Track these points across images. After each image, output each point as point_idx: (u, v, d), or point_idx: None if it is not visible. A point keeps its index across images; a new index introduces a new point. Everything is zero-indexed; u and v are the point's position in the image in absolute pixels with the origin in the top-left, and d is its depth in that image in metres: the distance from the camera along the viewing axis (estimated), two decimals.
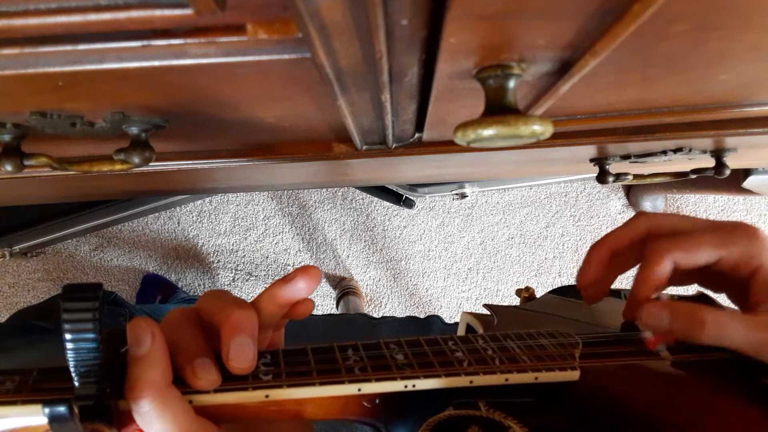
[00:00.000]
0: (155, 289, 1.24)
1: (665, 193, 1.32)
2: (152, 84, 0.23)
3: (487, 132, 0.20)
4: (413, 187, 1.19)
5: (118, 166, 0.30)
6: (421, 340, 0.30)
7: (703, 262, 0.31)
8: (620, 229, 0.34)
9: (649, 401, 0.28)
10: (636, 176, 0.56)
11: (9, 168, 0.28)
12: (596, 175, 0.53)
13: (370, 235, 1.32)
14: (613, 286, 0.39)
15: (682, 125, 0.38)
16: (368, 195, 1.30)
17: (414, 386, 0.27)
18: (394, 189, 1.22)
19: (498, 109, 0.21)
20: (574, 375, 0.28)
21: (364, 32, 0.18)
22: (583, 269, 0.35)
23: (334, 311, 1.30)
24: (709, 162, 0.51)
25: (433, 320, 0.68)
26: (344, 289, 1.27)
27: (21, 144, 0.28)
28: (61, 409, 0.22)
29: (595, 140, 0.40)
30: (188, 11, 0.17)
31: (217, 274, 1.30)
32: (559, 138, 0.39)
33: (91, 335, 0.21)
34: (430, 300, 1.34)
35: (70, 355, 0.22)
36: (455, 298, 1.35)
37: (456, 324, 0.57)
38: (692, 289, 0.37)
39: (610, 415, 0.27)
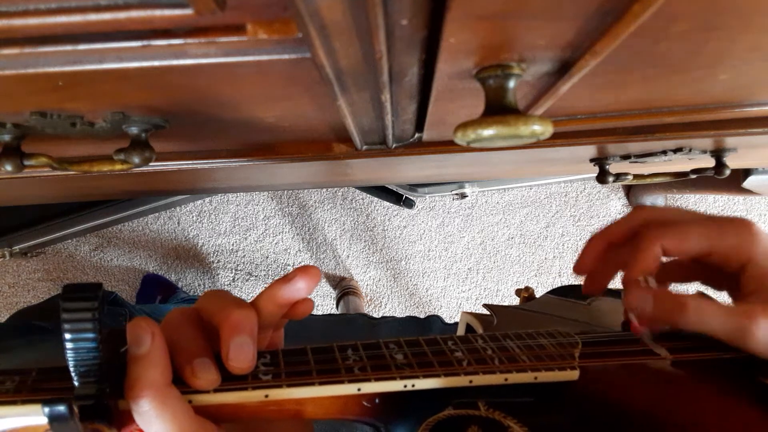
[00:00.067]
0: (155, 289, 1.24)
1: (665, 193, 1.32)
2: (152, 84, 0.23)
3: (487, 132, 0.20)
4: (413, 187, 1.19)
5: (118, 166, 0.30)
6: (421, 339, 0.30)
7: (693, 250, 0.31)
8: (618, 221, 0.35)
9: (648, 401, 0.28)
10: (636, 176, 0.56)
11: (9, 168, 0.28)
12: (596, 175, 0.53)
13: (370, 235, 1.32)
14: (612, 287, 0.39)
15: (682, 125, 0.38)
16: (368, 195, 1.30)
17: (413, 386, 0.27)
18: (394, 189, 1.22)
19: (498, 109, 0.21)
20: (573, 375, 0.28)
21: (364, 32, 0.18)
22: (579, 258, 0.36)
23: (334, 311, 1.30)
24: (709, 162, 0.51)
25: (433, 320, 0.68)
26: (344, 289, 1.27)
27: (21, 144, 0.28)
28: (61, 408, 0.22)
29: (595, 140, 0.40)
30: (188, 11, 0.17)
31: (217, 274, 1.30)
32: (559, 138, 0.39)
33: (90, 335, 0.21)
34: (430, 300, 1.34)
35: (69, 354, 0.22)
36: (455, 298, 1.35)
37: (456, 324, 0.57)
38: (692, 290, 0.37)
39: (609, 415, 0.27)
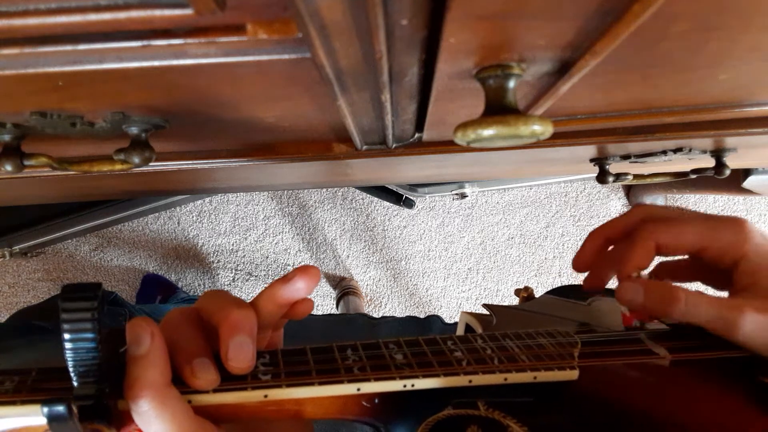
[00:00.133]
0: (155, 289, 1.24)
1: (665, 193, 1.32)
2: (152, 84, 0.23)
3: (487, 132, 0.20)
4: (413, 187, 1.19)
5: (118, 166, 0.30)
6: (420, 339, 0.30)
7: (687, 246, 0.32)
8: (616, 218, 0.36)
9: (647, 400, 0.28)
10: (636, 176, 0.56)
11: (9, 168, 0.28)
12: (596, 175, 0.53)
13: (370, 235, 1.32)
14: (612, 287, 0.39)
15: (682, 125, 0.38)
16: (368, 195, 1.30)
17: (413, 386, 0.27)
18: (394, 189, 1.22)
19: (498, 109, 0.21)
20: (572, 374, 0.28)
21: (364, 32, 0.18)
22: (577, 254, 0.37)
23: (334, 311, 1.30)
24: (709, 162, 0.51)
25: (433, 320, 0.68)
26: (344, 289, 1.27)
27: (21, 144, 0.28)
28: (60, 408, 0.22)
29: (595, 140, 0.40)
30: (188, 11, 0.17)
31: (217, 274, 1.30)
32: (559, 138, 0.39)
33: (90, 335, 0.21)
34: (430, 300, 1.34)
35: (69, 355, 0.22)
36: (455, 298, 1.35)
37: (456, 324, 0.57)
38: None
39: (608, 415, 0.27)
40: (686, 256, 0.35)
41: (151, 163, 0.29)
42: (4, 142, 0.28)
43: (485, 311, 0.39)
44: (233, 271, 1.30)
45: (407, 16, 0.17)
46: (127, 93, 0.25)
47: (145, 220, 1.28)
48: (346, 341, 0.29)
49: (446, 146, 0.40)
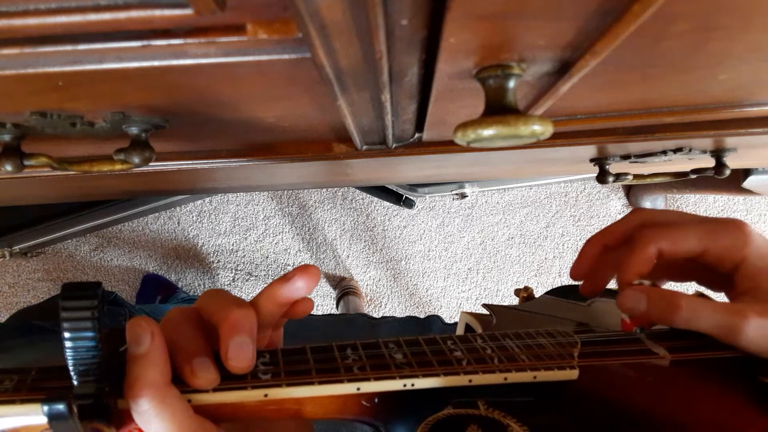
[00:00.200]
0: (155, 289, 1.24)
1: (665, 193, 1.32)
2: (152, 84, 0.23)
3: (487, 132, 0.20)
4: (413, 187, 1.19)
5: (118, 166, 0.30)
6: (420, 339, 0.30)
7: (687, 251, 0.32)
8: (615, 224, 0.35)
9: (647, 400, 0.28)
10: (636, 176, 0.56)
11: (9, 168, 0.28)
12: (596, 175, 0.53)
13: (370, 235, 1.32)
14: (612, 287, 0.39)
15: (682, 125, 0.38)
16: (368, 195, 1.30)
17: (413, 385, 0.27)
18: (394, 189, 1.22)
19: (498, 109, 0.21)
20: (572, 374, 0.28)
21: (364, 32, 0.18)
22: (575, 262, 0.37)
23: (334, 311, 1.30)
24: (709, 162, 0.51)
25: (433, 320, 0.68)
26: (344, 289, 1.27)
27: (21, 144, 0.28)
28: (60, 407, 0.22)
29: (595, 140, 0.40)
30: (188, 11, 0.17)
31: (217, 274, 1.30)
32: (559, 138, 0.39)
33: (90, 334, 0.21)
34: (430, 300, 1.34)
35: (69, 354, 0.22)
36: (455, 298, 1.35)
37: (456, 324, 0.57)
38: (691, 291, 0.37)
39: (608, 414, 0.27)
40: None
41: (151, 163, 0.29)
42: (4, 142, 0.28)
43: (485, 311, 0.39)
44: (233, 271, 1.30)
45: (407, 16, 0.17)
46: (127, 93, 0.25)
47: (145, 220, 1.28)
48: (346, 341, 0.29)
49: (446, 146, 0.40)
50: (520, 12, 0.17)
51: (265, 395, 0.26)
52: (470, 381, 0.27)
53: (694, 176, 0.55)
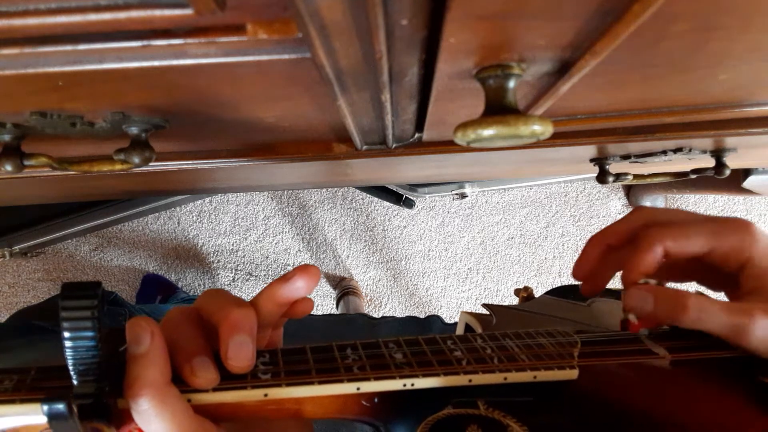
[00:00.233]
0: (155, 289, 1.24)
1: (665, 193, 1.32)
2: (152, 84, 0.23)
3: (487, 132, 0.20)
4: (413, 187, 1.19)
5: (118, 166, 0.30)
6: (420, 339, 0.30)
7: (693, 251, 0.31)
8: (617, 222, 0.35)
9: (647, 400, 0.28)
10: (636, 176, 0.56)
11: (9, 168, 0.28)
12: (596, 175, 0.53)
13: (370, 235, 1.32)
14: (612, 287, 0.39)
15: (682, 125, 0.38)
16: (368, 195, 1.30)
17: (413, 385, 0.27)
18: (394, 189, 1.22)
19: (498, 109, 0.21)
20: (572, 374, 0.28)
21: (364, 32, 0.18)
22: (578, 261, 0.36)
23: (334, 311, 1.30)
24: (709, 162, 0.51)
25: (433, 320, 0.68)
26: (344, 289, 1.27)
27: (21, 144, 0.28)
28: (60, 407, 0.22)
29: (595, 140, 0.40)
30: (188, 11, 0.17)
31: (217, 274, 1.30)
32: (559, 138, 0.39)
33: (90, 333, 0.21)
34: (430, 300, 1.34)
35: (68, 353, 0.22)
36: (455, 298, 1.35)
37: (456, 324, 0.57)
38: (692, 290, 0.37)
39: (608, 414, 0.27)
40: None
41: (151, 163, 0.29)
42: (4, 142, 0.28)
43: (485, 311, 0.39)
44: (233, 271, 1.30)
45: (407, 16, 0.17)
46: (127, 93, 0.25)
47: (145, 220, 1.28)
48: (346, 341, 0.29)
49: (446, 146, 0.40)
50: (520, 12, 0.17)
51: (265, 395, 0.26)
52: (470, 381, 0.27)
53: (694, 176, 0.55)
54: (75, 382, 0.22)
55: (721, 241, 0.31)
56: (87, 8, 0.17)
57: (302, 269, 0.29)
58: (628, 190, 1.36)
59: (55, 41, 0.19)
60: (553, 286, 0.44)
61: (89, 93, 0.24)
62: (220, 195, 1.28)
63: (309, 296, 0.30)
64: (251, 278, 1.30)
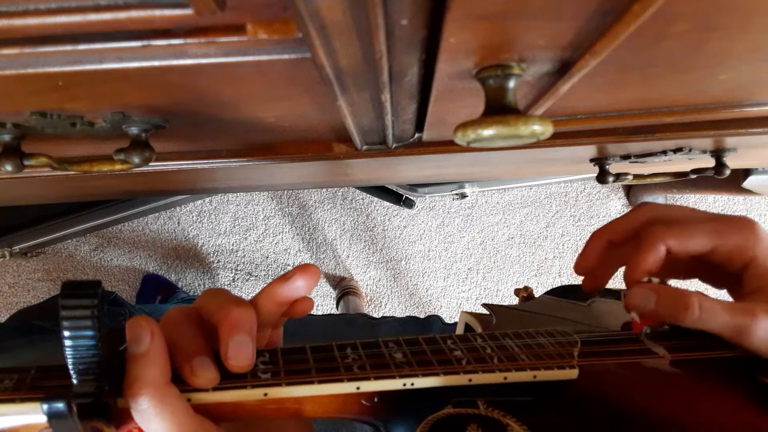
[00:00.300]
0: (155, 289, 1.25)
1: (665, 193, 1.32)
2: (152, 84, 0.23)
3: (487, 132, 0.20)
4: (413, 187, 1.19)
5: (118, 166, 0.30)
6: (420, 338, 0.30)
7: (697, 249, 0.31)
8: (620, 219, 0.35)
9: (647, 400, 0.28)
10: (636, 176, 0.56)
11: (9, 168, 0.28)
12: (596, 175, 0.53)
13: (370, 235, 1.32)
14: (612, 287, 0.39)
15: (682, 125, 0.38)
16: (368, 195, 1.30)
17: (413, 384, 0.27)
18: (394, 189, 1.22)
19: (498, 109, 0.21)
20: (572, 374, 0.28)
21: (364, 32, 0.18)
22: (580, 257, 0.36)
23: (334, 311, 1.30)
24: (709, 162, 0.51)
25: (433, 320, 0.68)
26: (344, 289, 1.27)
27: (21, 144, 0.28)
28: (60, 406, 0.22)
29: (595, 140, 0.40)
30: (188, 11, 0.17)
31: (217, 274, 1.30)
32: (559, 138, 0.39)
33: (89, 332, 0.21)
34: (430, 300, 1.34)
35: (68, 352, 0.22)
36: (455, 298, 1.35)
37: (456, 324, 0.57)
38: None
39: (608, 414, 0.27)
40: None
41: (151, 163, 0.29)
42: (4, 142, 0.28)
43: (485, 311, 0.39)
44: (233, 271, 1.30)
45: (407, 16, 0.17)
46: (127, 93, 0.25)
47: (145, 220, 1.28)
48: (346, 340, 0.29)
49: (446, 146, 0.40)
50: (520, 12, 0.17)
51: (265, 394, 0.26)
52: (470, 380, 0.27)
53: (694, 176, 0.55)
54: (75, 382, 0.22)
55: (725, 240, 0.31)
56: (87, 8, 0.17)
57: (302, 269, 0.29)
58: (628, 190, 1.36)
59: (55, 41, 0.19)
60: (553, 286, 0.44)
61: (89, 93, 0.24)
62: (220, 195, 1.28)
63: (309, 296, 0.30)
64: (251, 278, 1.30)
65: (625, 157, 0.50)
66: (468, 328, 0.39)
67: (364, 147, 0.39)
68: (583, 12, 0.18)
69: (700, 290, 0.35)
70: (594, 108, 0.33)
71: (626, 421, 0.27)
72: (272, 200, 1.30)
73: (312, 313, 0.34)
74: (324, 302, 1.32)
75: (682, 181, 0.59)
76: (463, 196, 1.16)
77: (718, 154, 0.49)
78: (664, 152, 0.47)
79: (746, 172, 0.89)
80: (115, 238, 1.27)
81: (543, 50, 0.21)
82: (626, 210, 1.35)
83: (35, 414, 0.23)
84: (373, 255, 1.32)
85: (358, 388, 0.26)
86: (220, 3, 0.16)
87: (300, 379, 0.26)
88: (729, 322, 0.29)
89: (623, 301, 0.33)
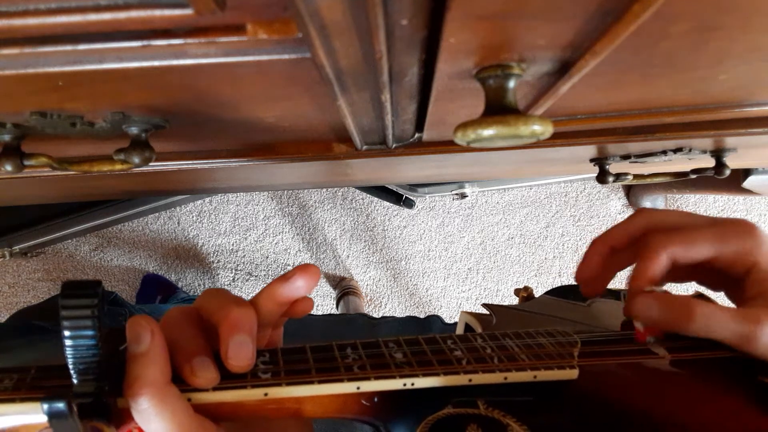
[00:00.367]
0: (155, 289, 1.24)
1: (665, 193, 1.32)
2: (152, 84, 0.23)
3: (487, 132, 0.20)
4: (413, 187, 1.19)
5: (118, 166, 0.30)
6: (420, 338, 0.30)
7: (700, 257, 0.31)
8: (620, 225, 0.35)
9: (647, 400, 0.28)
10: (636, 176, 0.56)
11: (9, 168, 0.28)
12: (596, 175, 0.53)
13: (370, 235, 1.32)
14: (612, 287, 0.39)
15: (682, 125, 0.38)
16: (368, 195, 1.30)
17: (413, 384, 0.27)
18: (394, 189, 1.22)
19: (498, 109, 0.21)
20: (572, 374, 0.28)
21: (364, 32, 0.18)
22: (582, 264, 0.36)
23: (334, 311, 1.30)
24: (709, 162, 0.51)
25: (433, 320, 0.68)
26: (344, 289, 1.27)
27: (21, 144, 0.28)
28: (60, 405, 0.22)
29: (595, 140, 0.40)
30: (188, 11, 0.17)
31: (217, 274, 1.30)
32: (559, 138, 0.39)
33: (90, 332, 0.21)
34: (430, 300, 1.34)
35: (69, 352, 0.22)
36: (455, 298, 1.35)
37: (456, 324, 0.57)
38: (691, 291, 0.37)
39: (608, 414, 0.27)
40: None
41: (151, 163, 0.29)
42: (4, 142, 0.28)
43: (485, 311, 0.39)
44: (233, 271, 1.30)
45: (407, 16, 0.17)
46: (127, 93, 0.25)
47: (145, 220, 1.28)
48: (346, 340, 0.29)
49: (446, 146, 0.40)
50: (520, 12, 0.17)
51: (265, 394, 0.26)
52: (470, 380, 0.27)
53: (694, 176, 0.55)
54: (75, 381, 0.22)
55: (727, 246, 0.30)
56: (87, 8, 0.17)
57: (302, 269, 0.29)
58: (628, 190, 1.36)
59: (55, 41, 0.19)
60: (553, 286, 0.44)
61: (89, 93, 0.24)
62: (220, 195, 1.28)
63: (309, 296, 0.30)
64: (251, 278, 1.30)
65: (625, 157, 0.50)
66: (468, 328, 0.39)
67: (364, 147, 0.39)
68: (583, 12, 0.18)
69: (699, 291, 0.35)
70: (594, 108, 0.33)
71: (626, 422, 0.27)
72: (272, 200, 1.30)
73: (312, 313, 0.34)
74: (324, 302, 1.32)
75: (682, 181, 0.59)
76: (463, 196, 1.16)
77: (718, 154, 0.49)
78: (664, 152, 0.47)
79: (746, 172, 0.89)
80: (115, 238, 1.27)
81: (543, 50, 0.21)
82: (626, 210, 1.35)
83: (35, 414, 0.23)
84: (373, 255, 1.32)
85: (358, 388, 0.26)
86: (220, 3, 0.16)
87: (300, 379, 0.26)
88: (734, 330, 0.29)
89: (624, 308, 0.33)
